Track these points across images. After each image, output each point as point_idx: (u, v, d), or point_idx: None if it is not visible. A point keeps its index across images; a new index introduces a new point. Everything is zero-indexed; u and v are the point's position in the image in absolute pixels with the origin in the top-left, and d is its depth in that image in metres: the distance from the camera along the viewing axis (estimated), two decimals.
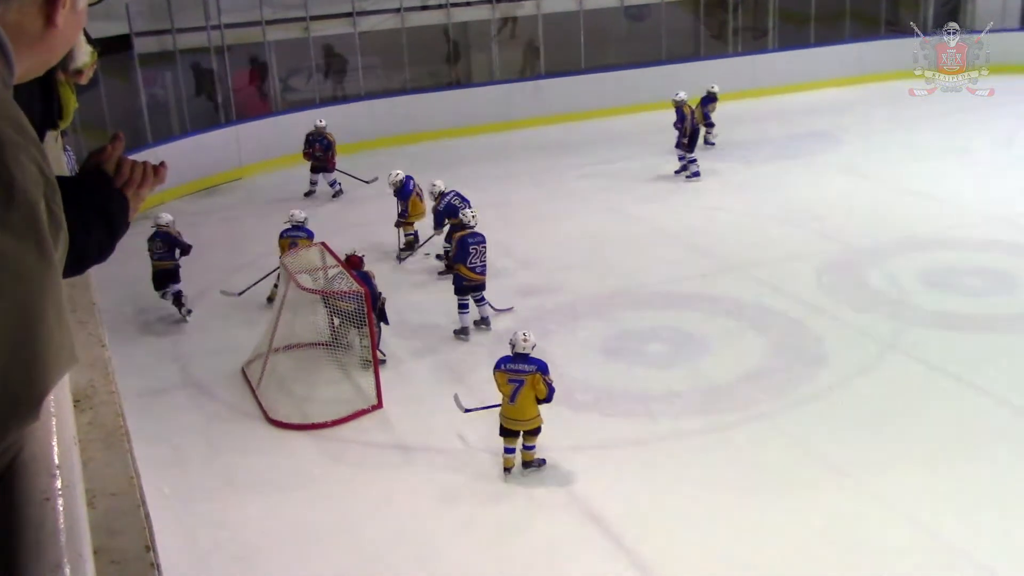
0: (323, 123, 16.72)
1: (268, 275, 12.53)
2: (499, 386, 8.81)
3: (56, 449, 1.30)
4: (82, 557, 1.19)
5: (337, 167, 16.75)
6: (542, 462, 8.96)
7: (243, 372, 11.02)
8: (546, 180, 17.29)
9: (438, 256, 13.54)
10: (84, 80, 3.35)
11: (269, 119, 18.88)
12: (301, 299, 10.84)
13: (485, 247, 11.49)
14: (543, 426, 8.83)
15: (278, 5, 19.15)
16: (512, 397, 8.68)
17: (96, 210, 1.88)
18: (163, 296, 12.29)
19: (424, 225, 13.96)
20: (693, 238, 14.33)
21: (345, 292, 10.50)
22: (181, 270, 12.32)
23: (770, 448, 9.20)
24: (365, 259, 11.23)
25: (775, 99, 21.23)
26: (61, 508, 1.21)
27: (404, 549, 8.08)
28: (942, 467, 8.74)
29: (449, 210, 13.06)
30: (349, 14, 19.44)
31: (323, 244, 11.55)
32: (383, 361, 10.63)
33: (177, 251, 12.22)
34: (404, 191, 13.93)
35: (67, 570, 1.14)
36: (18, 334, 1.08)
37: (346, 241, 11.99)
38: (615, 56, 22.46)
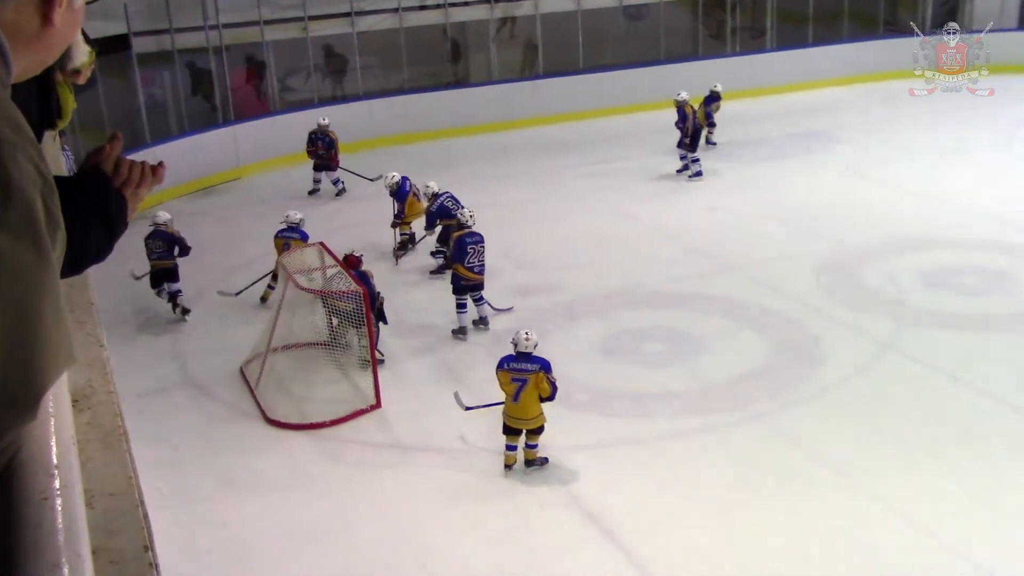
0: (326, 121, 16.71)
1: (265, 276, 12.53)
2: (502, 385, 8.81)
3: (54, 449, 1.30)
4: (80, 557, 1.19)
5: (341, 165, 16.74)
6: (544, 461, 8.97)
7: (241, 372, 11.01)
8: (544, 180, 17.29)
9: (433, 253, 13.55)
10: (82, 80, 3.35)
11: (267, 119, 18.86)
12: (300, 299, 10.84)
13: (483, 247, 11.49)
14: (545, 425, 8.85)
15: (276, 5, 19.13)
16: (515, 396, 8.69)
17: (94, 210, 1.87)
18: (159, 294, 12.29)
19: (421, 225, 13.96)
20: (691, 238, 14.34)
21: (344, 292, 10.50)
22: (179, 270, 12.32)
23: (768, 448, 9.20)
24: (363, 259, 11.22)
25: (773, 99, 21.23)
26: (59, 508, 1.21)
27: (403, 549, 8.08)
28: (940, 467, 8.74)
29: (441, 211, 13.10)
30: (347, 14, 19.43)
31: (321, 244, 11.54)
32: (381, 361, 10.64)
33: (176, 249, 12.21)
34: (401, 192, 13.94)
35: (65, 570, 1.14)
36: (16, 333, 1.08)
37: (344, 241, 11.99)
38: (613, 56, 22.46)
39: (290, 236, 12.27)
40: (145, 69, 17.49)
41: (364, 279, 10.65)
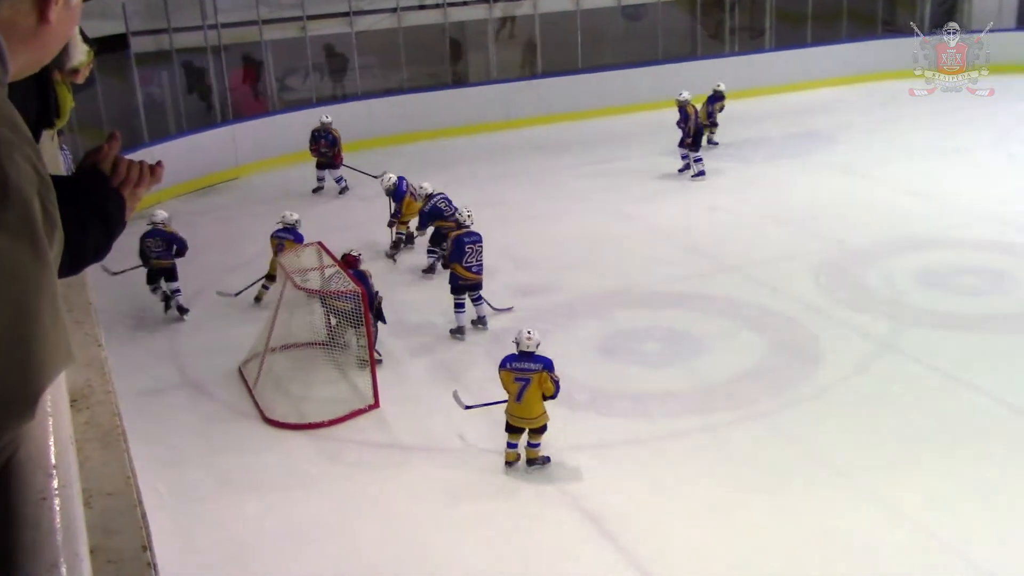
0: (328, 119, 16.72)
1: (262, 277, 12.55)
2: (505, 385, 8.82)
3: (53, 449, 1.30)
4: (79, 557, 1.19)
5: (344, 163, 16.74)
6: (546, 460, 8.98)
7: (240, 372, 11.01)
8: (543, 180, 17.29)
9: (430, 251, 13.58)
10: (80, 79, 3.34)
11: (266, 119, 18.86)
12: (298, 299, 10.84)
13: (481, 246, 11.49)
14: (548, 424, 8.86)
15: (274, 4, 19.13)
16: (519, 396, 8.70)
17: (93, 209, 1.87)
18: (154, 291, 12.28)
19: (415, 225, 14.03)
20: (690, 238, 14.34)
21: (342, 292, 10.50)
22: (177, 269, 12.32)
23: (767, 448, 9.21)
24: (361, 258, 11.22)
25: (772, 99, 21.23)
26: (58, 508, 1.20)
27: (402, 549, 8.08)
28: (939, 466, 8.75)
29: (434, 212, 13.17)
30: (346, 13, 19.43)
31: (319, 244, 11.54)
32: (379, 361, 10.63)
33: (174, 248, 12.21)
34: (398, 192, 13.97)
35: (64, 569, 1.14)
36: (13, 333, 1.08)
37: (343, 240, 12.00)
38: (612, 56, 22.46)
39: (284, 237, 12.27)
40: (143, 69, 17.49)
41: (362, 279, 10.65)
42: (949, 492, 8.38)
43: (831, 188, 16.26)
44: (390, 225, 14.06)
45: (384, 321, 11.09)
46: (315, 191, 16.89)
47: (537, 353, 8.76)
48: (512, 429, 8.87)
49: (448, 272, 11.68)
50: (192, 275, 12.82)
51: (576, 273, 13.17)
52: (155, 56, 17.87)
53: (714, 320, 11.73)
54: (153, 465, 8.68)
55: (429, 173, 15.05)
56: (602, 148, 18.76)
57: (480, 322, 11.69)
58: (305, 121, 17.44)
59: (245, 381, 10.78)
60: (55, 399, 1.42)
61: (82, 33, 3.05)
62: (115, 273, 12.06)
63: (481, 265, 11.53)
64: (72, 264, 1.84)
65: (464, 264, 11.41)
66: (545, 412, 8.80)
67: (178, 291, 12.33)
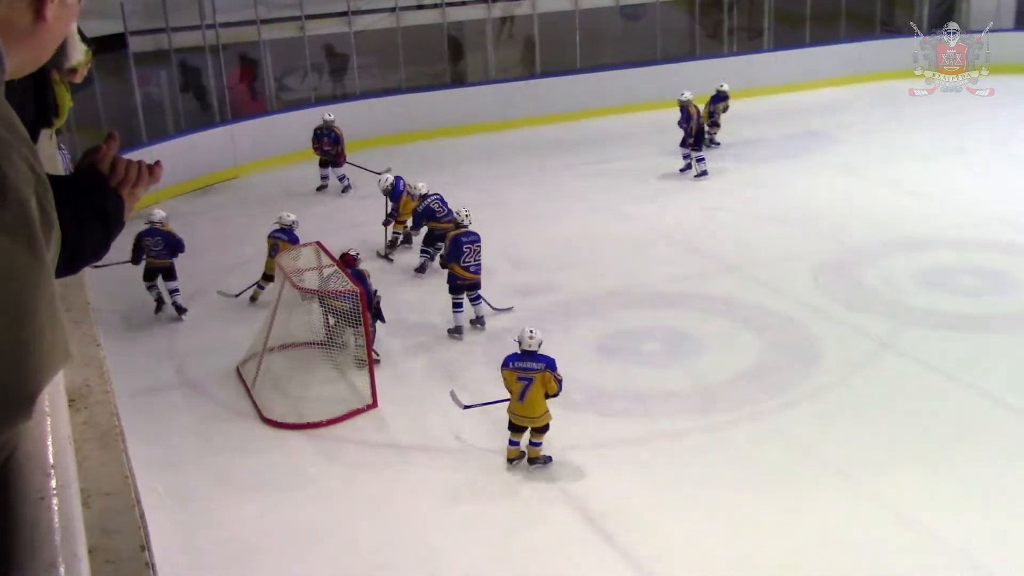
0: (331, 117, 16.72)
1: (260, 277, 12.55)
2: (507, 384, 8.83)
3: (51, 448, 1.30)
4: (77, 556, 1.19)
5: (347, 160, 16.74)
6: (548, 459, 8.99)
7: (238, 371, 11.00)
8: (542, 180, 17.29)
9: (424, 249, 13.60)
10: (79, 79, 3.33)
11: (264, 118, 18.85)
12: (296, 298, 10.84)
13: (479, 246, 11.49)
14: (550, 423, 8.86)
15: (273, 4, 19.11)
16: (521, 396, 8.71)
17: (91, 209, 1.87)
18: (149, 289, 12.27)
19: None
20: (689, 238, 14.33)
21: (340, 291, 10.50)
22: (175, 269, 12.31)
23: (767, 448, 9.21)
24: (360, 258, 11.22)
25: (771, 99, 21.22)
26: (56, 507, 1.20)
27: (401, 549, 8.07)
28: (939, 467, 8.75)
29: (426, 212, 13.29)
30: (344, 13, 19.41)
31: (318, 243, 11.54)
32: (378, 361, 10.63)
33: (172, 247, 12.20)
34: (395, 192, 14.01)
35: (62, 569, 1.14)
36: (10, 332, 1.08)
37: (342, 240, 11.99)
38: (611, 56, 22.44)
39: (279, 237, 12.28)
40: (142, 68, 17.48)
41: (360, 278, 10.65)
42: (949, 492, 8.38)
43: (830, 188, 16.26)
44: (385, 224, 14.09)
45: (383, 320, 11.09)
46: (319, 189, 16.91)
47: (539, 352, 8.77)
48: (515, 427, 8.89)
49: (446, 272, 11.68)
50: (190, 275, 12.81)
51: (575, 273, 13.16)
52: (153, 56, 17.86)
53: (714, 320, 11.73)
54: (151, 465, 8.67)
55: (427, 173, 15.05)
56: (601, 148, 18.76)
57: (478, 322, 11.69)
58: (304, 121, 17.43)
59: (243, 381, 10.78)
60: (53, 399, 1.42)
61: (80, 32, 3.04)
62: (98, 265, 12.00)
63: (479, 265, 11.53)
64: (70, 264, 1.83)
65: (462, 264, 11.41)
66: (548, 411, 8.81)
67: (177, 291, 12.32)
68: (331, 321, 10.93)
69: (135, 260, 12.06)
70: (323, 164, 16.87)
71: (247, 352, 11.08)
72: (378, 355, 10.75)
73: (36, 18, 1.26)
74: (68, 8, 1.32)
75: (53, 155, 4.51)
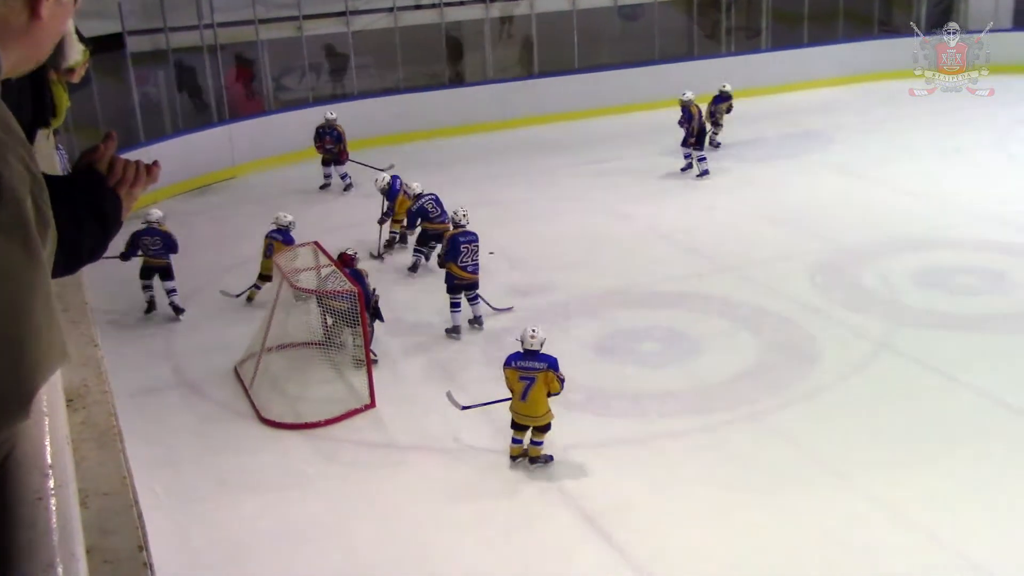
0: (333, 115, 16.72)
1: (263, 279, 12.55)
2: (509, 383, 8.83)
3: (49, 448, 1.30)
4: (75, 557, 1.19)
5: (350, 158, 16.74)
6: (549, 458, 9.00)
7: (236, 371, 11.00)
8: (540, 179, 17.29)
9: (417, 249, 13.61)
10: (76, 79, 3.33)
11: (262, 118, 18.84)
12: (294, 298, 10.84)
13: (477, 246, 11.49)
14: (552, 422, 8.87)
15: (271, 4, 19.11)
16: (523, 395, 8.72)
17: (89, 209, 1.87)
18: (144, 289, 12.25)
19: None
20: (687, 238, 14.33)
21: (338, 291, 10.49)
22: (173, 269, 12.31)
23: (766, 447, 9.21)
24: (358, 257, 11.21)
25: (769, 99, 21.22)
26: (54, 507, 1.20)
27: (399, 548, 8.07)
28: (937, 467, 8.76)
29: (420, 212, 13.35)
30: (342, 13, 19.41)
31: (316, 243, 11.53)
32: (375, 361, 10.63)
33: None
34: (392, 191, 14.03)
35: (60, 570, 1.14)
36: (6, 332, 1.08)
37: (340, 240, 11.99)
38: (608, 56, 22.45)
39: (275, 238, 12.29)
40: (139, 68, 17.47)
41: (358, 278, 10.65)
42: (948, 492, 8.38)
43: (828, 188, 16.27)
44: (380, 223, 14.11)
45: (382, 320, 11.09)
46: (322, 187, 16.92)
47: (542, 352, 8.77)
48: (517, 426, 8.90)
49: (443, 271, 11.67)
50: (188, 275, 12.81)
51: (573, 273, 13.16)
52: (151, 56, 17.85)
53: (712, 320, 11.74)
54: (149, 465, 8.67)
55: (425, 173, 15.06)
56: (599, 148, 18.76)
57: (476, 322, 11.69)
58: (301, 121, 17.42)
59: (241, 381, 10.78)
60: (51, 399, 1.41)
61: (78, 32, 3.04)
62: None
63: (477, 264, 11.53)
64: (68, 264, 1.83)
65: (459, 264, 11.40)
66: (549, 411, 8.83)
67: (174, 291, 12.31)
68: (329, 321, 10.92)
69: (125, 256, 11.87)
70: (325, 162, 16.87)
71: (245, 352, 11.07)
72: (376, 355, 10.75)
73: (31, 16, 1.26)
74: (63, 6, 1.31)
75: (51, 155, 4.50)
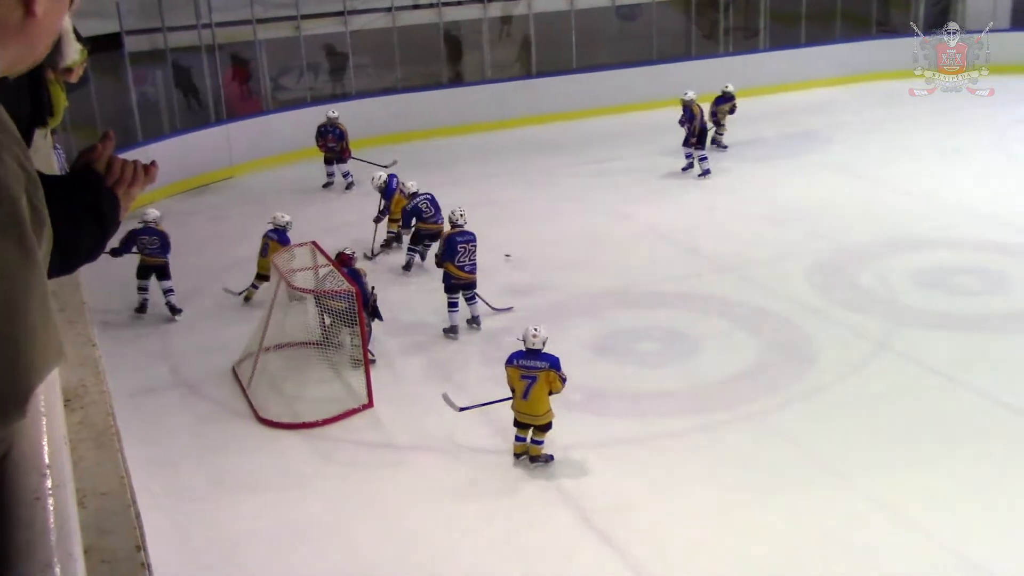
0: (335, 114, 16.73)
1: (262, 279, 12.54)
2: (511, 382, 8.84)
3: (46, 448, 1.30)
4: (72, 556, 1.18)
5: (353, 156, 16.74)
6: (550, 458, 9.01)
7: (233, 371, 10.99)
8: (538, 179, 17.29)
9: (410, 248, 13.60)
10: (74, 78, 3.33)
11: (260, 118, 18.83)
12: (292, 298, 10.83)
13: (475, 246, 11.48)
14: (553, 421, 8.87)
15: (269, 4, 19.10)
16: (525, 394, 8.71)
17: (86, 209, 1.86)
18: (140, 289, 12.24)
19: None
20: (685, 237, 14.33)
21: (337, 291, 10.49)
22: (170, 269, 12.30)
23: (765, 447, 9.22)
24: (355, 256, 11.21)
25: (767, 99, 21.20)
26: (51, 507, 1.20)
27: (398, 549, 8.07)
28: (936, 467, 8.76)
29: (414, 211, 13.36)
30: (340, 13, 19.40)
31: (313, 243, 11.53)
32: (373, 360, 10.62)
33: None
34: (388, 190, 14.06)
35: (57, 570, 1.13)
36: (1, 331, 1.08)
37: (338, 240, 11.98)
38: (606, 56, 22.45)
39: (271, 237, 12.32)
40: (137, 68, 17.46)
41: (356, 277, 10.65)
42: (948, 492, 8.39)
43: (827, 188, 16.26)
44: (376, 221, 14.12)
45: (380, 318, 11.08)
46: (325, 186, 16.94)
47: (544, 351, 8.77)
48: (520, 424, 8.90)
49: (440, 271, 11.66)
50: (186, 274, 12.80)
51: (572, 273, 13.16)
52: (149, 55, 17.85)
53: (710, 320, 11.74)
54: (147, 465, 8.66)
55: (424, 173, 15.06)
56: (597, 148, 18.76)
57: (474, 321, 11.69)
58: (299, 121, 17.41)
59: (239, 381, 10.77)
60: (49, 399, 1.41)
61: (76, 32, 3.03)
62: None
63: (474, 264, 11.52)
64: (65, 264, 1.83)
65: (457, 263, 11.40)
66: (550, 410, 8.83)
67: (171, 290, 12.30)
68: (327, 321, 10.92)
69: (116, 252, 11.64)
70: (328, 161, 16.88)
71: (243, 352, 11.07)
72: (374, 355, 10.75)
73: (26, 13, 1.25)
74: (59, 3, 1.30)
75: (48, 155, 4.50)
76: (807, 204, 15.43)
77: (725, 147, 18.11)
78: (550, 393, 8.76)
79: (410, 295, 12.70)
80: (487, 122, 20.05)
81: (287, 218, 12.56)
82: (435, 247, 12.38)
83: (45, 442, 1.30)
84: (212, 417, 10.30)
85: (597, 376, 10.51)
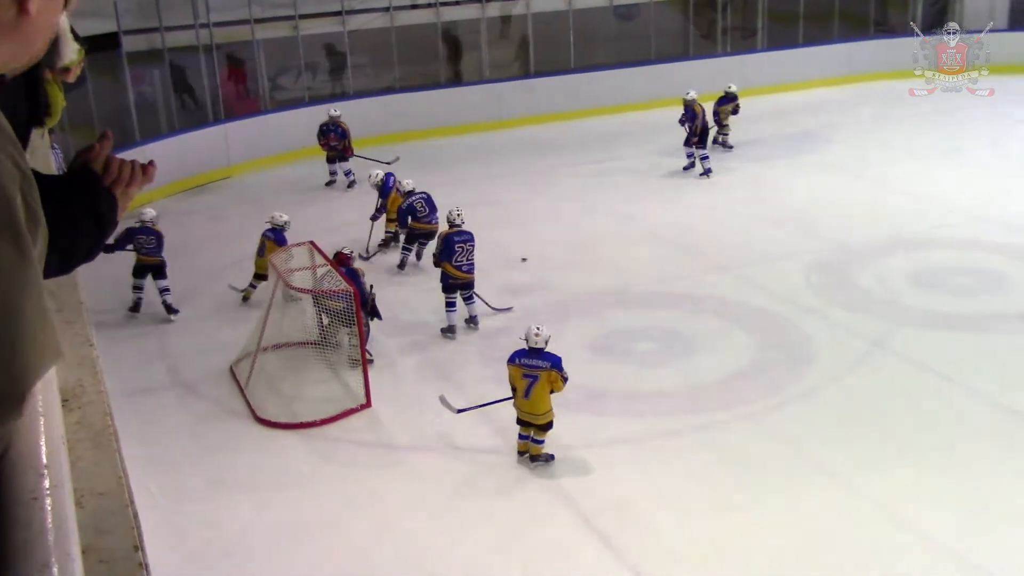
0: (337, 112, 16.74)
1: (261, 279, 12.53)
2: (513, 380, 8.83)
3: (44, 448, 1.30)
4: (70, 556, 1.18)
5: (355, 153, 16.73)
6: (550, 457, 9.00)
7: (231, 371, 10.99)
8: (536, 179, 17.29)
9: (404, 246, 13.62)
10: (71, 78, 3.33)
11: (258, 118, 18.84)
12: (290, 297, 10.82)
13: (472, 245, 11.47)
14: (554, 421, 8.87)
15: (267, 3, 19.10)
16: (526, 393, 8.71)
17: (84, 209, 1.86)
18: (135, 288, 12.23)
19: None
20: (683, 237, 14.34)
21: (335, 291, 10.48)
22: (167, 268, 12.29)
23: (763, 447, 9.21)
24: (354, 256, 11.21)
25: (765, 99, 21.20)
26: (49, 507, 1.20)
27: (397, 548, 8.06)
28: (932, 467, 8.76)
29: (409, 210, 13.36)
30: (338, 12, 19.40)
31: (311, 243, 11.53)
32: (371, 360, 10.62)
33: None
34: (385, 188, 14.07)
35: (55, 569, 1.13)
36: None
37: (335, 239, 11.98)
38: (604, 56, 22.47)
39: (267, 236, 12.33)
40: (135, 67, 17.46)
41: (354, 277, 10.64)
42: (946, 492, 8.38)
43: (825, 188, 16.27)
44: (373, 219, 14.13)
45: (379, 317, 11.08)
46: (328, 184, 16.94)
47: (546, 350, 8.77)
48: (523, 422, 8.91)
49: (438, 271, 11.66)
50: (184, 274, 12.80)
51: (570, 273, 13.16)
52: (147, 55, 17.84)
53: (706, 320, 11.74)
54: (145, 465, 8.67)
55: (422, 172, 15.05)
56: (595, 148, 18.77)
57: (472, 321, 11.68)
58: (297, 120, 17.41)
59: (237, 380, 10.77)
60: (46, 399, 1.41)
61: (73, 32, 3.03)
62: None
63: (472, 264, 11.51)
64: (63, 263, 1.83)
65: (454, 263, 11.39)
66: (551, 410, 8.82)
67: (167, 289, 12.29)
68: (325, 321, 10.92)
69: (110, 248, 11.30)
70: (330, 160, 16.89)
71: (240, 352, 11.07)
72: (372, 355, 10.74)
73: (19, 12, 1.25)
74: (53, 1, 1.30)
75: (46, 155, 4.49)
76: (806, 204, 15.45)
77: (731, 147, 18.10)
78: (551, 392, 8.76)
79: (408, 295, 12.70)
80: (485, 122, 20.06)
81: (285, 218, 12.56)
82: (431, 245, 12.38)
83: (43, 442, 1.30)
84: (210, 417, 10.30)
85: (596, 376, 10.51)
